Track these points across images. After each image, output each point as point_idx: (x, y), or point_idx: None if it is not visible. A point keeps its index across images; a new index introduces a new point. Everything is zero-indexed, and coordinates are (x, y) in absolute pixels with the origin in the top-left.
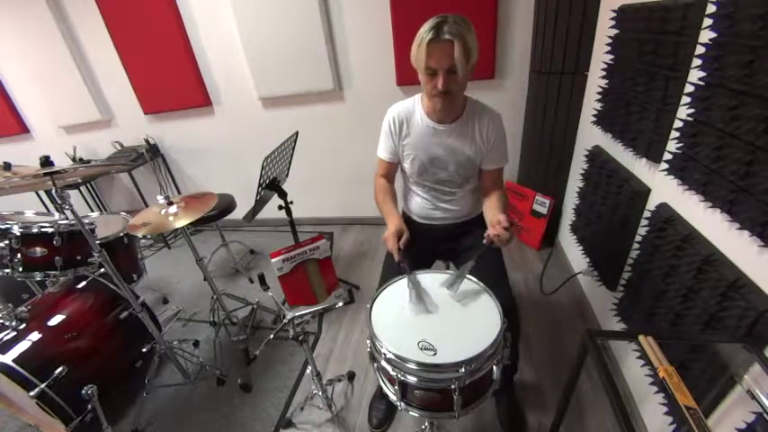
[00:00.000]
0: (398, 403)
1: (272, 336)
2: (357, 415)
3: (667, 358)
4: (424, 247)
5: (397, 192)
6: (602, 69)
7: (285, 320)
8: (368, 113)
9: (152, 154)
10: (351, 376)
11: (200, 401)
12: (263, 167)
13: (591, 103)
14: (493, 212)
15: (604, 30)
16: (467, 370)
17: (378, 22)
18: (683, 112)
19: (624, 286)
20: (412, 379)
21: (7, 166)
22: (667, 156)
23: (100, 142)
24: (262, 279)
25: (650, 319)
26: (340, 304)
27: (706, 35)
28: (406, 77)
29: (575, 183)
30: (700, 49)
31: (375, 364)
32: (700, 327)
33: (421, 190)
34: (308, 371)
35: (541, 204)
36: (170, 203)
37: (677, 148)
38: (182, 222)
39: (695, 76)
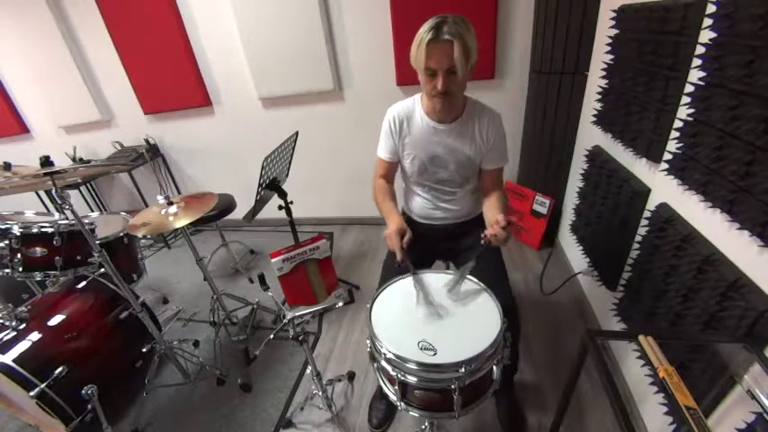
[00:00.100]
0: (398, 403)
1: (272, 336)
2: (357, 415)
3: (667, 358)
4: (425, 247)
5: (398, 192)
6: (602, 69)
7: (285, 320)
8: (368, 113)
9: (152, 154)
10: (351, 376)
11: (200, 401)
12: (263, 167)
13: (591, 103)
14: (492, 212)
15: (604, 30)
16: (467, 370)
17: (378, 22)
18: (683, 112)
19: (624, 286)
20: (412, 379)
21: (7, 166)
22: (667, 156)
23: (100, 142)
24: (262, 279)
25: (650, 319)
26: (340, 304)
27: (706, 35)
28: (406, 77)
29: (575, 183)
30: (700, 49)
31: (375, 364)
32: (700, 327)
33: (421, 190)
34: (308, 371)
35: (541, 204)
36: (170, 203)
37: (677, 148)
38: (182, 222)
39: (695, 76)
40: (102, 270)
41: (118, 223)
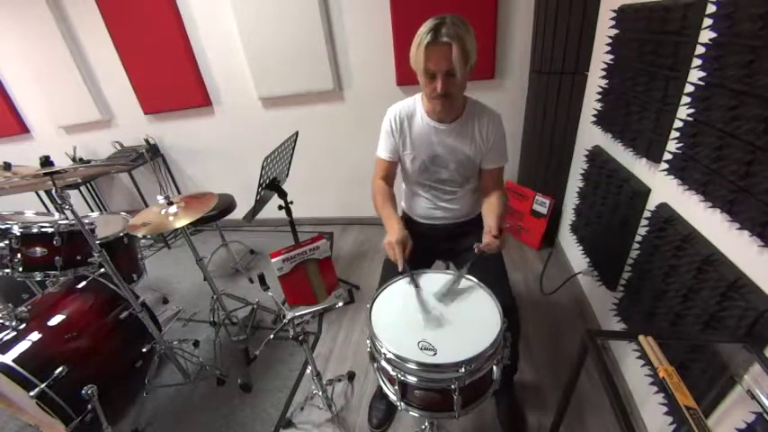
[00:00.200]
0: (398, 403)
1: (272, 336)
2: (357, 415)
3: (667, 358)
4: (425, 246)
5: (398, 192)
6: (602, 69)
7: (285, 320)
8: (368, 113)
9: (152, 154)
10: (351, 376)
11: (200, 401)
12: (263, 167)
13: (591, 103)
14: (487, 218)
15: (604, 30)
16: (467, 370)
17: (378, 22)
18: (683, 112)
19: (624, 286)
20: (412, 379)
21: (7, 166)
22: (667, 156)
23: (100, 142)
24: (262, 279)
25: (650, 319)
26: (340, 304)
27: (706, 35)
28: (406, 77)
29: (575, 183)
30: (700, 49)
31: (375, 364)
32: (700, 327)
33: (421, 189)
34: (308, 371)
35: (541, 204)
36: (170, 203)
37: (677, 148)
38: (182, 222)
39: (695, 76)
40: (102, 270)
41: (118, 223)
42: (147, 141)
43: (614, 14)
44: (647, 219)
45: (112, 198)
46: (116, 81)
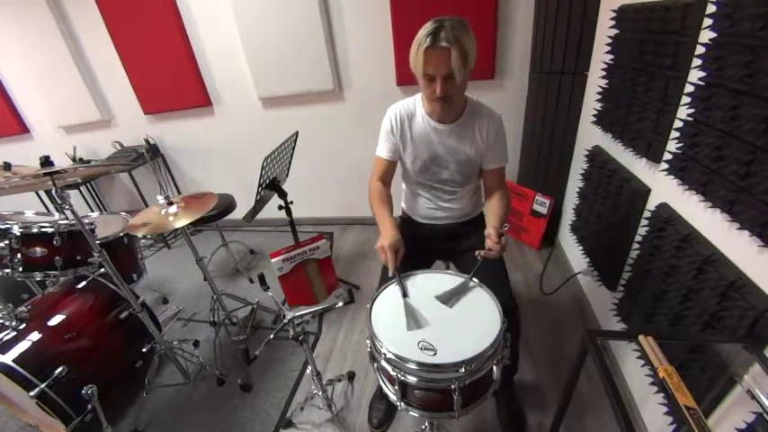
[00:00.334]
0: (398, 403)
1: (272, 336)
2: (357, 415)
3: (667, 358)
4: (425, 246)
5: (398, 192)
6: (602, 69)
7: (285, 320)
8: (368, 113)
9: (152, 154)
10: (351, 376)
11: (200, 401)
12: (263, 167)
13: (591, 103)
14: (490, 219)
15: (604, 30)
16: (467, 370)
17: (378, 22)
18: (683, 112)
19: (624, 286)
20: (412, 379)
21: (7, 166)
22: (667, 156)
23: (100, 142)
24: (262, 279)
25: (650, 319)
26: (340, 304)
27: (706, 35)
28: (406, 77)
29: (575, 183)
30: (700, 49)
31: (375, 364)
32: (700, 327)
33: (422, 189)
34: (308, 371)
35: (541, 204)
36: (170, 203)
37: (677, 148)
38: (182, 222)
39: (695, 76)
40: (102, 270)
41: (118, 223)
42: (147, 141)
43: (614, 14)
44: (647, 219)
45: (112, 198)
46: (116, 81)
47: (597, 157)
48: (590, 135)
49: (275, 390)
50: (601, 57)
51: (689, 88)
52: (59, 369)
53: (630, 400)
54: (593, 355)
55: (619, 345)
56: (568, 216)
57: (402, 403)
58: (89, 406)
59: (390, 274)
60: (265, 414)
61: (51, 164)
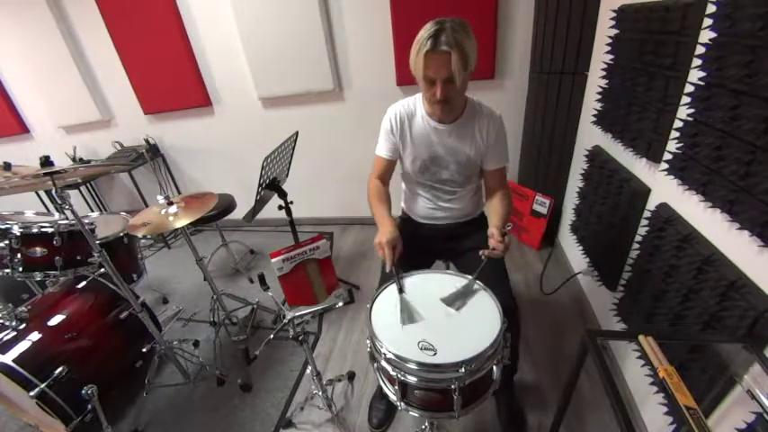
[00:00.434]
0: (398, 403)
1: (272, 336)
2: (357, 415)
3: (667, 358)
4: (425, 246)
5: (398, 192)
6: (602, 69)
7: (285, 320)
8: (368, 113)
9: (152, 154)
10: (351, 376)
11: (200, 401)
12: (263, 167)
13: (591, 103)
14: (492, 219)
15: (604, 30)
16: (467, 370)
17: (378, 22)
18: (683, 112)
19: (624, 286)
20: (412, 379)
21: (7, 166)
22: (667, 156)
23: (100, 142)
24: (262, 279)
25: (650, 319)
26: (340, 304)
27: (706, 35)
28: (406, 77)
29: (575, 183)
30: (700, 49)
31: (375, 364)
32: (700, 327)
33: (422, 189)
34: (308, 371)
35: (541, 204)
36: (170, 203)
37: (677, 148)
38: (182, 222)
39: (695, 76)
40: (102, 270)
41: (118, 223)
42: (147, 141)
43: (614, 14)
44: (647, 219)
45: (112, 198)
46: (116, 81)
47: (597, 157)
48: (590, 135)
49: (275, 390)
50: (601, 57)
51: (689, 88)
52: (59, 369)
53: (630, 400)
54: (593, 355)
55: (619, 345)
56: (568, 216)
57: (402, 403)
58: (89, 406)
59: (388, 270)
60: (265, 414)
61: (51, 164)
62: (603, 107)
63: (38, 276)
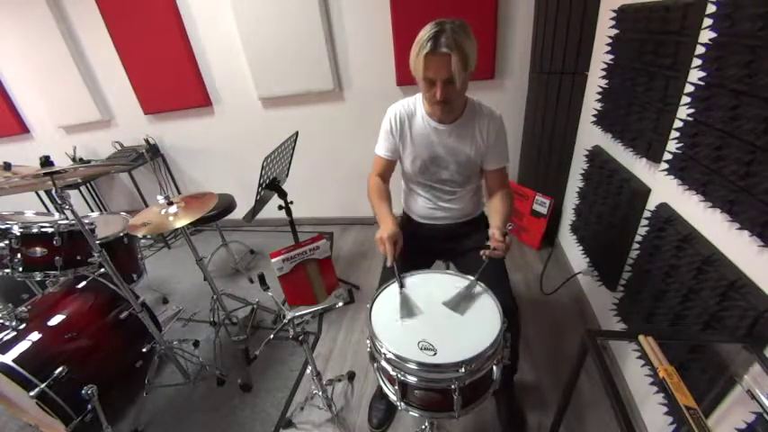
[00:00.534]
0: (398, 403)
1: (272, 336)
2: (357, 415)
3: (667, 358)
4: (425, 246)
5: (398, 192)
6: (602, 69)
7: (285, 320)
8: (368, 113)
9: (152, 154)
10: (351, 376)
11: (200, 401)
12: (263, 167)
13: (591, 103)
14: (494, 219)
15: (604, 30)
16: (467, 370)
17: (378, 22)
18: (683, 112)
19: (624, 286)
20: (412, 379)
21: (7, 166)
22: (667, 156)
23: (100, 142)
24: (262, 279)
25: (650, 319)
26: (340, 304)
27: (706, 35)
28: (406, 77)
29: (575, 183)
30: (700, 49)
31: (375, 364)
32: (700, 327)
33: (422, 189)
34: (308, 371)
35: (541, 204)
36: (170, 203)
37: (677, 148)
38: (182, 222)
39: (695, 76)
40: (102, 270)
41: (118, 223)
42: (147, 141)
43: (614, 14)
44: (647, 219)
45: (112, 198)
46: (116, 81)
47: (597, 157)
48: (590, 135)
49: (275, 390)
50: (601, 57)
51: (689, 88)
52: (59, 369)
53: (630, 400)
54: (593, 355)
55: (619, 345)
56: (568, 216)
57: (402, 403)
58: (89, 406)
59: (389, 265)
60: (265, 414)
61: (51, 164)
62: (603, 107)
63: (38, 276)
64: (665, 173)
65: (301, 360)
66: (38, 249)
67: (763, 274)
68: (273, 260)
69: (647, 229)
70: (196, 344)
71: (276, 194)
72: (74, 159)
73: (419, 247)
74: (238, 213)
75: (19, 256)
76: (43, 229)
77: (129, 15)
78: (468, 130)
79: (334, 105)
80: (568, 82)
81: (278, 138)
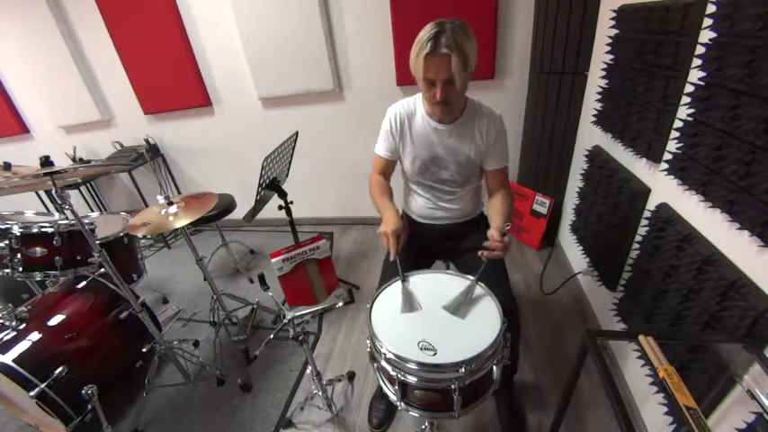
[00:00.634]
0: (398, 403)
1: (272, 336)
2: (357, 415)
3: (667, 358)
4: (425, 246)
5: (398, 192)
6: (602, 69)
7: (285, 320)
8: (368, 113)
9: (152, 154)
10: (351, 376)
11: (200, 401)
12: (263, 167)
13: (591, 103)
14: (494, 219)
15: (604, 30)
16: (467, 370)
17: (378, 22)
18: (683, 112)
19: (624, 286)
20: (412, 379)
21: (7, 166)
22: (667, 156)
23: (100, 142)
24: (262, 279)
25: (650, 319)
26: (340, 304)
27: (706, 35)
28: (406, 77)
29: (575, 183)
30: (700, 49)
31: (375, 364)
32: (700, 327)
33: (421, 189)
34: (308, 371)
35: (541, 204)
36: (170, 203)
37: (677, 148)
38: (182, 222)
39: (695, 76)
40: (102, 270)
41: (118, 223)
42: (147, 141)
43: (614, 14)
44: (647, 219)
45: (112, 198)
46: (116, 81)
47: (597, 157)
48: (590, 135)
49: (275, 390)
50: (601, 57)
51: (689, 88)
52: (59, 369)
53: (630, 400)
54: (593, 355)
55: (619, 345)
56: (568, 216)
57: (402, 403)
58: (89, 406)
59: (392, 259)
60: (265, 414)
61: (51, 164)
62: (603, 107)
63: (38, 276)
64: (665, 173)
65: (301, 360)
66: (38, 249)
67: (763, 274)
68: (273, 260)
69: (647, 229)
70: (196, 344)
71: (276, 194)
72: (74, 159)
73: (419, 247)
74: (238, 213)
75: (19, 256)
76: (43, 229)
77: (129, 15)
78: (467, 131)
79: (334, 105)
80: (568, 82)
81: (278, 138)
